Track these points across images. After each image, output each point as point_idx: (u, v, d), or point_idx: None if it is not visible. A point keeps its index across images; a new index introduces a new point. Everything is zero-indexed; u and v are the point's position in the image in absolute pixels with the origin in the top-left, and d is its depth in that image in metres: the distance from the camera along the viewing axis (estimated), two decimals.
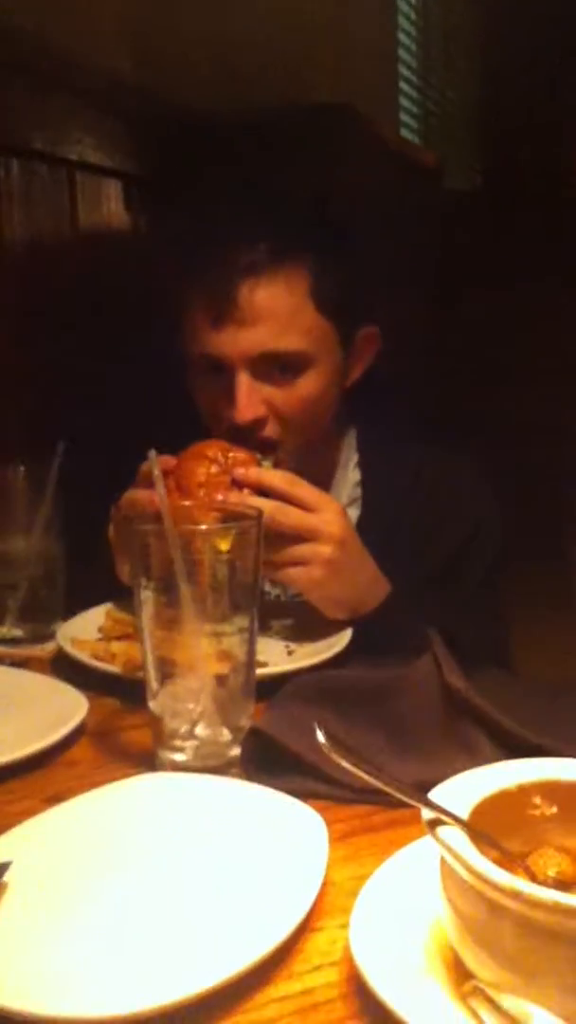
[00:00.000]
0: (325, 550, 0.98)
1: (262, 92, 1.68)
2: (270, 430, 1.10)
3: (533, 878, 0.52)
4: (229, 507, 0.95)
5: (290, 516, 0.97)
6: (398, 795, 0.52)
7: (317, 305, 1.09)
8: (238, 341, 1.07)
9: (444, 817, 0.50)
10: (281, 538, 0.97)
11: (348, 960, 0.53)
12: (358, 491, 1.21)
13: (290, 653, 1.02)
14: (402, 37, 2.44)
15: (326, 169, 1.59)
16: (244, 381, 1.07)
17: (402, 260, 1.46)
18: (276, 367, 1.09)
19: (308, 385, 1.10)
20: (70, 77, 1.38)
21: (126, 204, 1.54)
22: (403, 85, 2.45)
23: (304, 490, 0.99)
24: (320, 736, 0.53)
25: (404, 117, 2.47)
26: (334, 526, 0.99)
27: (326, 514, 0.99)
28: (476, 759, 0.72)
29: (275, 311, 1.07)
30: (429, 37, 2.61)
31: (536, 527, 1.35)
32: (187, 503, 0.93)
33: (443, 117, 2.72)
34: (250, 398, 1.07)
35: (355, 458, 1.22)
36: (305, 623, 1.07)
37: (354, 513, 1.18)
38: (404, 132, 2.44)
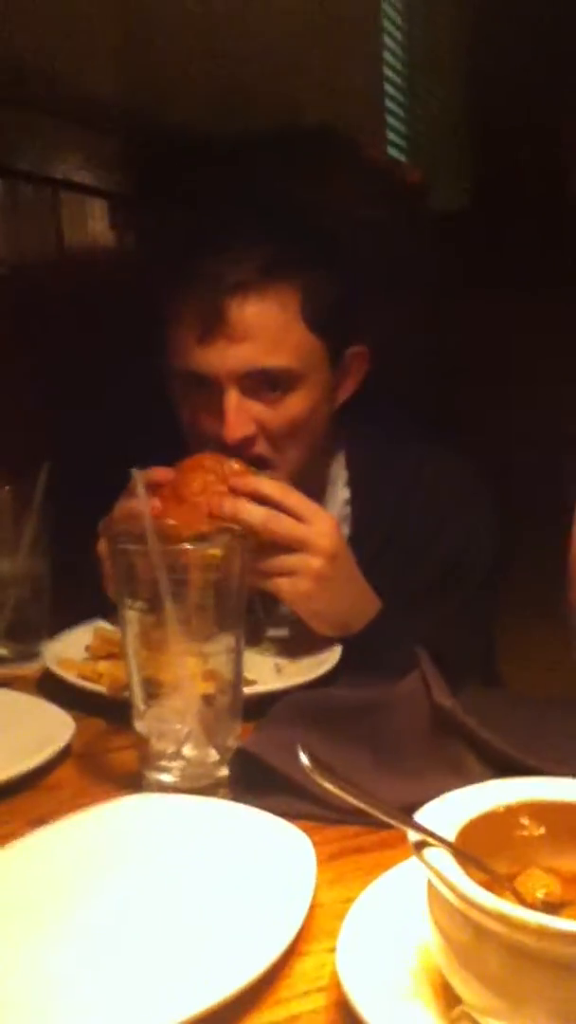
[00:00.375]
0: (315, 562, 0.98)
1: (249, 111, 1.68)
2: (259, 448, 1.09)
3: (521, 900, 0.52)
4: (225, 514, 0.96)
5: (282, 524, 0.97)
6: (384, 817, 0.51)
7: (307, 322, 1.09)
8: (227, 358, 1.06)
9: (430, 839, 0.49)
10: (272, 548, 0.97)
11: (335, 986, 0.52)
12: (348, 509, 1.21)
13: (279, 671, 1.01)
14: (387, 56, 2.46)
15: (313, 188, 1.60)
16: (233, 398, 1.07)
17: (391, 276, 1.46)
18: (265, 384, 1.08)
19: (297, 403, 1.10)
20: (55, 96, 1.38)
21: (111, 223, 1.54)
22: (389, 104, 2.46)
23: (298, 501, 1.00)
24: (303, 759, 0.52)
25: (391, 135, 2.48)
26: (326, 539, 0.99)
27: (319, 526, 0.99)
28: (464, 779, 0.71)
29: (265, 327, 1.06)
30: (415, 55, 2.63)
31: (523, 539, 1.34)
32: (172, 522, 0.93)
33: (430, 135, 2.74)
34: (239, 416, 1.07)
35: (344, 476, 1.22)
36: (295, 639, 1.06)
37: (345, 531, 1.17)
38: (391, 151, 2.45)
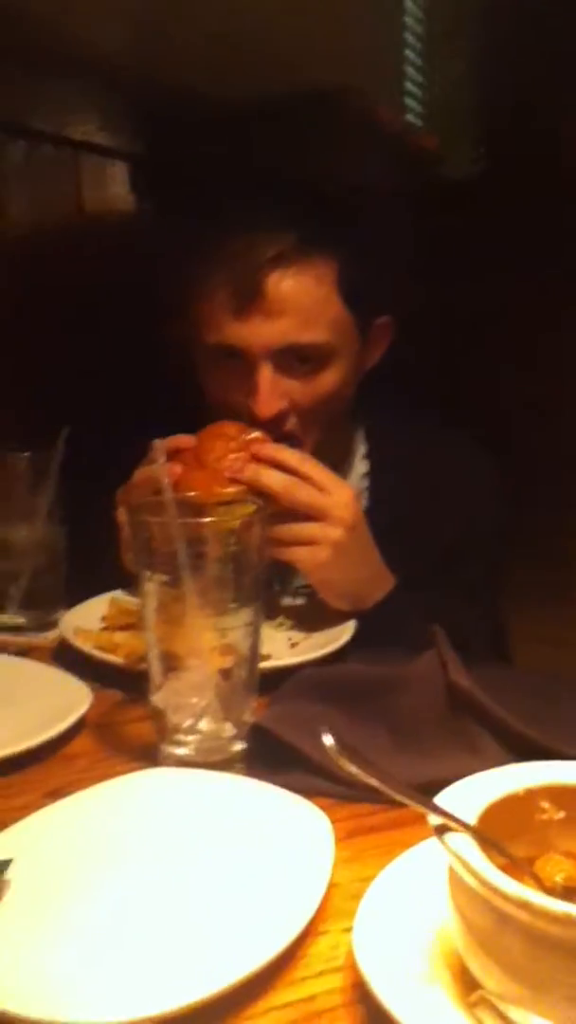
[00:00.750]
0: (334, 532, 0.97)
1: (264, 73, 1.65)
2: (291, 424, 1.08)
3: (540, 884, 0.51)
4: (246, 479, 0.95)
5: (303, 492, 0.97)
6: (406, 800, 0.51)
7: (342, 296, 1.07)
8: (263, 333, 1.04)
9: (452, 823, 0.49)
10: (290, 517, 0.96)
11: (351, 966, 0.52)
12: (365, 482, 1.20)
13: (293, 646, 1.01)
14: (408, 20, 2.41)
15: (329, 150, 1.57)
16: (267, 374, 1.05)
17: (409, 246, 1.44)
18: (297, 359, 1.07)
19: (330, 378, 1.09)
20: (74, 58, 1.36)
21: (132, 186, 1.52)
22: (408, 68, 2.42)
23: (318, 470, 0.99)
24: (328, 739, 0.52)
25: (408, 101, 2.44)
26: (345, 509, 0.98)
27: (338, 496, 0.99)
28: (481, 759, 0.71)
29: (302, 303, 1.04)
30: (433, 19, 2.57)
31: (535, 517, 1.34)
32: (192, 493, 0.92)
33: (447, 103, 2.69)
34: (272, 392, 1.05)
35: (363, 449, 1.21)
36: (309, 614, 1.06)
37: (362, 504, 1.16)
38: (408, 116, 2.41)
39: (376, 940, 0.52)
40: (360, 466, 1.21)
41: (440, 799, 0.51)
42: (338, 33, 1.82)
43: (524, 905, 0.44)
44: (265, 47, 1.68)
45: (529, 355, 1.59)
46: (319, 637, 1.01)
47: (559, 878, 0.53)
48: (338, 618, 1.03)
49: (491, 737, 0.74)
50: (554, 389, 1.58)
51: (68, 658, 0.98)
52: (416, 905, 0.55)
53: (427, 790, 0.52)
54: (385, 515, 1.12)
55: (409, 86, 2.41)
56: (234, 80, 1.61)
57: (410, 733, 0.74)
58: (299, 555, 0.98)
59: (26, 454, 1.09)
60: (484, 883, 0.45)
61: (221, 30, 1.68)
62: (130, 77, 1.47)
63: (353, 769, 0.52)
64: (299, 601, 1.11)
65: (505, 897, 0.44)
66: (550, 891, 0.51)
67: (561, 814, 0.54)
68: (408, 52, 2.35)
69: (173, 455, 0.97)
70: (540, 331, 1.59)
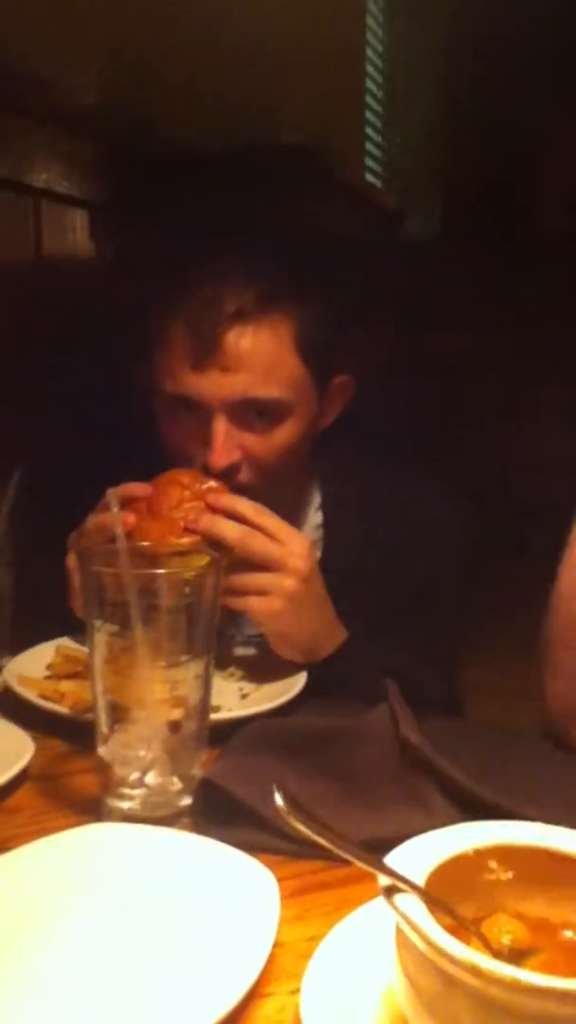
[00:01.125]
0: (288, 582, 0.98)
1: (229, 127, 1.68)
2: (243, 475, 1.08)
3: (487, 945, 0.51)
4: (200, 529, 0.95)
5: (258, 542, 0.97)
6: (355, 860, 0.50)
7: (299, 353, 1.08)
8: (220, 386, 1.05)
9: (400, 884, 0.48)
10: (245, 567, 0.96)
11: None
12: (319, 532, 1.20)
13: (244, 696, 1.00)
14: (369, 83, 2.48)
15: (290, 205, 1.60)
16: (221, 427, 1.06)
17: (368, 304, 1.47)
18: (254, 413, 1.07)
19: (285, 433, 1.09)
20: (38, 104, 1.37)
21: (91, 233, 1.53)
22: (368, 129, 2.48)
23: (273, 521, 0.99)
24: (278, 799, 0.51)
25: (368, 161, 2.50)
26: (300, 560, 0.99)
27: (293, 547, 0.99)
28: (430, 815, 0.71)
29: (260, 359, 1.05)
30: (394, 82, 2.65)
31: (483, 566, 1.35)
32: (146, 543, 0.91)
33: (407, 162, 2.76)
34: (227, 444, 1.06)
35: (317, 499, 1.22)
36: (260, 665, 1.05)
37: (316, 554, 1.17)
38: (369, 176, 2.47)
39: (323, 1003, 0.51)
40: (314, 516, 1.21)
41: (390, 859, 0.51)
42: (301, 91, 1.87)
43: (472, 969, 0.43)
44: (229, 101, 1.72)
45: (490, 403, 1.63)
46: (269, 688, 1.01)
47: (506, 940, 0.52)
48: (289, 669, 1.02)
49: (441, 794, 0.74)
50: (511, 436, 1.62)
51: (10, 705, 0.96)
52: (362, 966, 0.54)
53: (376, 846, 0.51)
54: (341, 565, 1.12)
55: (369, 147, 2.47)
56: (197, 132, 1.64)
57: (360, 787, 0.74)
58: (252, 604, 0.98)
59: None
60: (432, 945, 0.45)
61: (186, 83, 1.72)
62: (95, 126, 1.49)
63: (303, 828, 0.51)
64: (250, 651, 1.11)
65: (453, 960, 0.44)
66: (497, 953, 0.51)
67: (509, 874, 0.54)
68: (369, 114, 2.41)
69: (127, 503, 0.97)
70: (500, 380, 1.63)
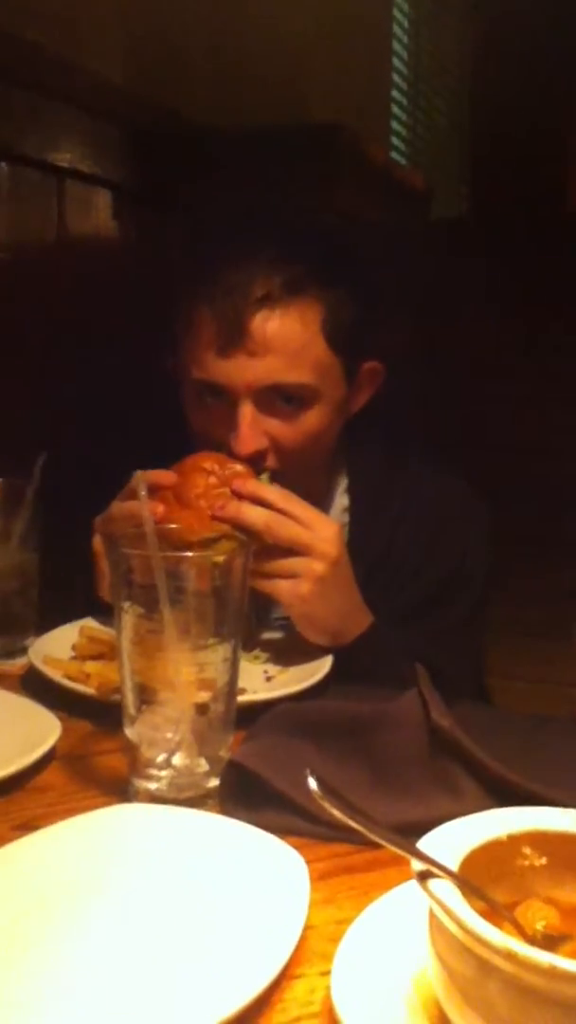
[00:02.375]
0: (317, 566, 0.97)
1: (256, 106, 1.67)
2: (270, 461, 1.07)
3: (521, 931, 0.51)
4: (227, 517, 0.94)
5: (285, 528, 0.97)
6: (389, 845, 0.50)
7: (327, 339, 1.07)
8: (246, 371, 1.04)
9: (434, 869, 0.48)
10: (273, 552, 0.96)
11: (328, 1012, 0.51)
12: (346, 516, 1.19)
13: (269, 679, 1.00)
14: (395, 61, 2.45)
15: (317, 187, 1.58)
16: (248, 412, 1.05)
17: (397, 288, 1.45)
18: (280, 399, 1.06)
19: (312, 419, 1.08)
20: (64, 84, 1.37)
21: (115, 214, 1.52)
22: (394, 108, 2.46)
23: (300, 507, 0.99)
24: (312, 783, 0.51)
25: (394, 140, 2.48)
26: (328, 544, 0.98)
27: (321, 531, 0.98)
28: (462, 802, 0.71)
29: (287, 344, 1.04)
30: (420, 60, 2.63)
31: (510, 553, 1.34)
32: (174, 526, 0.91)
33: (432, 141, 2.74)
34: (253, 430, 1.05)
35: (344, 484, 1.21)
36: (285, 648, 1.05)
37: (344, 538, 1.16)
38: (394, 155, 2.45)
39: (354, 985, 0.51)
40: (341, 500, 1.21)
41: (423, 844, 0.50)
42: (329, 71, 1.86)
43: (509, 955, 0.43)
44: (257, 81, 1.71)
45: (519, 394, 1.61)
46: (295, 671, 1.00)
47: (540, 926, 0.52)
48: (315, 652, 1.02)
49: (472, 780, 0.73)
50: (540, 430, 1.60)
51: (37, 686, 0.96)
52: (394, 949, 0.54)
53: (406, 832, 0.51)
54: (367, 550, 1.12)
55: (396, 125, 2.45)
56: (225, 112, 1.63)
57: (390, 773, 0.73)
58: (281, 588, 0.98)
59: (1, 479, 1.08)
60: (467, 931, 0.45)
61: (215, 62, 1.71)
62: (121, 106, 1.48)
63: (337, 813, 0.51)
64: (276, 634, 1.10)
65: (489, 946, 0.44)
66: (531, 939, 0.50)
67: (543, 860, 0.54)
68: (395, 93, 2.39)
69: (152, 492, 0.97)
70: (532, 370, 1.61)
